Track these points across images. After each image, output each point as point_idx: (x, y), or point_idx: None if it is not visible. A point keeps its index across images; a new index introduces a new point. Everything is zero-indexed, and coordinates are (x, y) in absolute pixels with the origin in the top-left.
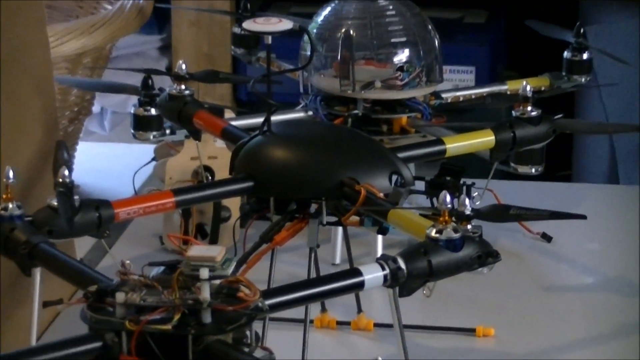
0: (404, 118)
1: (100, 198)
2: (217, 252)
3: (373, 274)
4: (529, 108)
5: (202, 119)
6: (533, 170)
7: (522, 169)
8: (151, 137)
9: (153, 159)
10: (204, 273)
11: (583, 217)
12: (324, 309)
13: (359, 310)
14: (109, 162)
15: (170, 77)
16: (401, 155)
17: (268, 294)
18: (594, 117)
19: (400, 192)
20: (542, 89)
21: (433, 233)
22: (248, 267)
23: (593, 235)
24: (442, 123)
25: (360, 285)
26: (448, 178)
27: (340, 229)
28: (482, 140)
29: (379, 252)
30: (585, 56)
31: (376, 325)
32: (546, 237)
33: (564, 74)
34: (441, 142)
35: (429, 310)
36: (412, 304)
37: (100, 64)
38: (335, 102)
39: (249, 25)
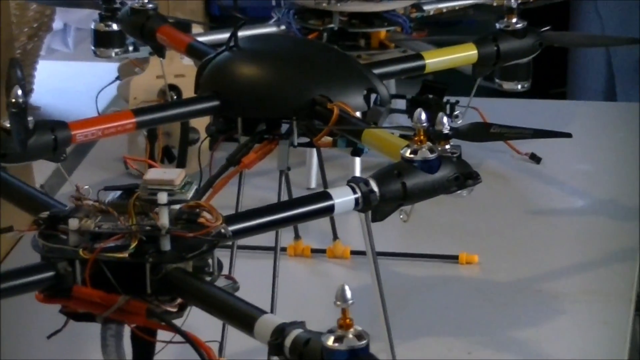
0: (382, 32)
1: (58, 119)
2: (176, 175)
3: (343, 198)
4: (514, 20)
5: (166, 34)
6: (519, 86)
7: (508, 85)
8: (113, 54)
9: (117, 78)
10: (162, 197)
11: (568, 135)
12: (297, 236)
13: (335, 237)
14: (71, 82)
15: None
16: (377, 71)
17: (231, 219)
18: (590, 30)
19: (379, 111)
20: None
21: (407, 154)
22: (214, 191)
23: (585, 155)
24: (424, 37)
25: (330, 209)
26: (430, 96)
27: (315, 151)
28: (464, 54)
29: (358, 175)
30: None
31: (353, 252)
32: (535, 158)
33: None
34: (420, 57)
35: (409, 237)
36: (392, 230)
37: None
38: (309, 16)
39: None
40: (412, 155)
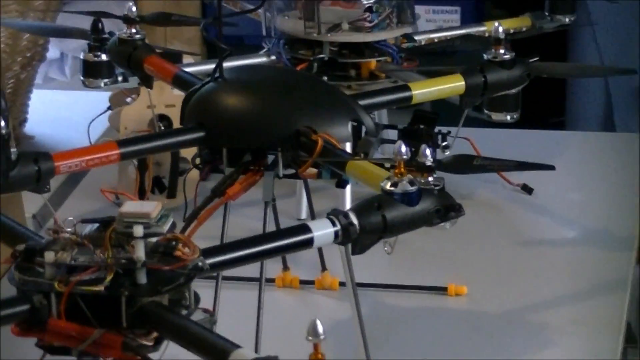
0: (372, 62)
1: (46, 150)
2: (152, 207)
3: (323, 230)
4: (502, 51)
5: (153, 65)
6: (508, 117)
7: (497, 116)
8: (102, 84)
9: (109, 108)
10: (138, 230)
11: (551, 167)
12: (285, 267)
13: (323, 268)
14: (67, 111)
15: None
16: (363, 102)
17: (209, 252)
18: (588, 58)
19: (369, 141)
20: (523, 29)
21: (388, 186)
22: (199, 223)
23: (578, 185)
24: (414, 67)
25: (309, 242)
26: (422, 126)
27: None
28: (451, 85)
29: (348, 206)
30: None
31: (342, 284)
32: (527, 189)
33: (546, 13)
34: (407, 88)
35: (398, 268)
36: (380, 260)
37: (53, 6)
38: (299, 46)
39: None
40: (392, 188)
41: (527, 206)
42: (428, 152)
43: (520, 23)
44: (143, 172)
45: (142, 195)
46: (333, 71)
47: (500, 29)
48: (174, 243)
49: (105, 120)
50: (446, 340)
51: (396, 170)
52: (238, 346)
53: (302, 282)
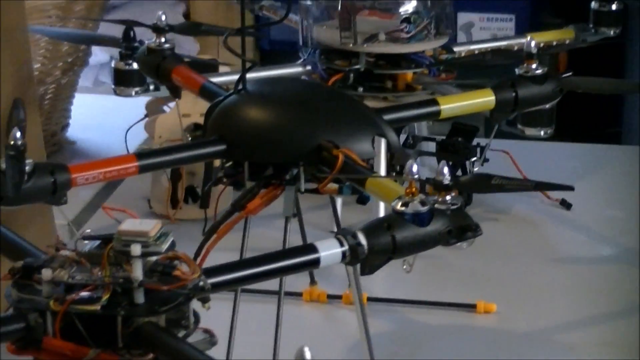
0: (409, 74)
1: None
2: (151, 226)
3: (330, 251)
4: (534, 65)
5: (180, 75)
6: (542, 132)
7: (530, 132)
8: (133, 92)
9: (146, 116)
10: (136, 249)
11: (571, 188)
12: (313, 281)
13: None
14: (111, 116)
15: (151, 29)
16: (388, 117)
17: (211, 271)
18: None
19: (406, 154)
20: (567, 42)
21: (398, 206)
22: (218, 237)
23: (619, 202)
24: (451, 80)
25: (316, 262)
26: (459, 139)
27: None
28: (482, 100)
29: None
30: (614, 7)
31: (370, 299)
32: (565, 204)
33: (590, 25)
34: (434, 103)
35: (429, 284)
36: (411, 276)
37: (95, 12)
38: (335, 56)
39: None
40: (402, 208)
41: (564, 222)
42: (446, 170)
43: (564, 35)
44: (176, 181)
45: (174, 204)
46: (369, 82)
47: (533, 44)
48: (173, 262)
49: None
50: (470, 358)
51: (407, 190)
52: None
53: (330, 296)
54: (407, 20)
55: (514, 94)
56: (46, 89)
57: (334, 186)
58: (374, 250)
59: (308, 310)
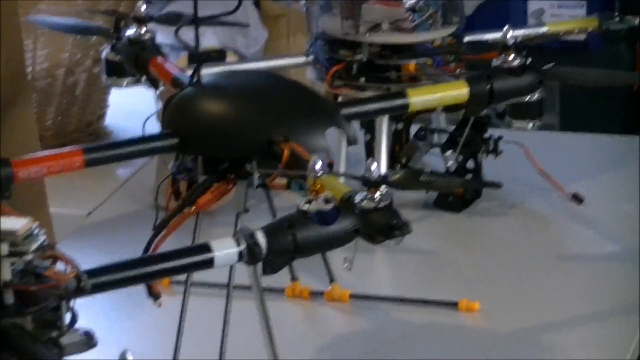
0: (412, 64)
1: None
2: (20, 225)
3: (224, 251)
4: (511, 57)
5: (155, 66)
6: (530, 125)
7: (518, 124)
8: (124, 83)
9: None
10: (3, 249)
11: (498, 185)
12: (294, 278)
13: (331, 279)
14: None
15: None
16: (349, 110)
17: (95, 272)
18: None
19: (415, 146)
20: (589, 30)
21: (302, 204)
22: (167, 233)
23: (636, 196)
24: (457, 70)
25: (209, 262)
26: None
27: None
28: (455, 92)
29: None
30: None
31: (353, 296)
32: (577, 199)
33: (616, 14)
34: (402, 95)
35: (418, 281)
36: (402, 273)
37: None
38: (339, 46)
39: None
40: (306, 206)
41: (575, 217)
42: (374, 166)
43: (587, 24)
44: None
45: (177, 197)
46: (373, 72)
47: (509, 35)
48: (46, 263)
49: None
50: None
51: (311, 188)
52: None
53: (313, 293)
54: (412, 9)
55: (489, 87)
56: (77, 78)
57: (283, 181)
58: (273, 249)
59: (290, 307)
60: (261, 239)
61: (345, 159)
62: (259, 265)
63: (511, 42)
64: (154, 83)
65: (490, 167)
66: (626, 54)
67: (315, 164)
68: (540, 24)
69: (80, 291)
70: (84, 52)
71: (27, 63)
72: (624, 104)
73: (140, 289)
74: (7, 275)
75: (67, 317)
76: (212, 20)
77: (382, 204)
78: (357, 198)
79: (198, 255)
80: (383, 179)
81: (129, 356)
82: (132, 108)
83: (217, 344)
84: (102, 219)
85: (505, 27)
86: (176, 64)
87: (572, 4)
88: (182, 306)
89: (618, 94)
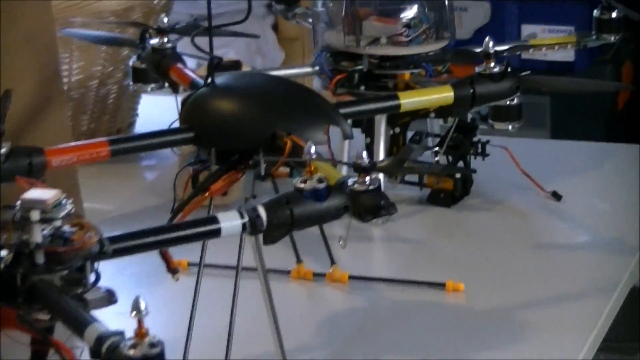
0: (406, 74)
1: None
2: (50, 195)
3: (230, 222)
4: (492, 64)
5: (175, 72)
6: (510, 126)
7: (499, 126)
8: (149, 89)
9: None
10: (34, 215)
11: (472, 171)
12: (299, 260)
13: (332, 262)
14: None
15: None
16: (346, 109)
17: (116, 239)
18: None
19: (411, 148)
20: (568, 46)
21: (298, 183)
22: (182, 216)
23: (610, 197)
24: (447, 79)
25: (217, 232)
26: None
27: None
28: (441, 95)
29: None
30: (614, 15)
31: (351, 277)
32: (556, 196)
33: (593, 32)
34: (395, 97)
35: (410, 265)
36: (398, 258)
37: (152, 19)
38: (341, 58)
39: None
40: (302, 185)
41: (551, 213)
42: (364, 154)
43: (566, 40)
44: None
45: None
46: (373, 82)
47: (490, 44)
48: (71, 229)
49: None
50: (432, 334)
51: (307, 169)
52: (95, 320)
53: (316, 274)
54: (408, 25)
55: (471, 91)
56: (108, 89)
57: (285, 170)
58: (272, 222)
59: (294, 287)
60: (262, 212)
61: (347, 158)
62: (260, 237)
63: (492, 51)
64: (174, 87)
65: (478, 168)
66: (610, 75)
67: (310, 148)
68: (526, 40)
69: (102, 254)
70: (115, 65)
71: (63, 74)
72: (609, 122)
73: (161, 270)
74: (38, 238)
75: (92, 277)
76: (225, 30)
77: (371, 187)
78: (349, 182)
79: (207, 226)
80: (372, 165)
81: (142, 301)
82: (159, 119)
83: (227, 318)
84: (127, 211)
85: (487, 39)
86: (196, 71)
87: (561, 28)
88: (196, 284)
89: (604, 112)
